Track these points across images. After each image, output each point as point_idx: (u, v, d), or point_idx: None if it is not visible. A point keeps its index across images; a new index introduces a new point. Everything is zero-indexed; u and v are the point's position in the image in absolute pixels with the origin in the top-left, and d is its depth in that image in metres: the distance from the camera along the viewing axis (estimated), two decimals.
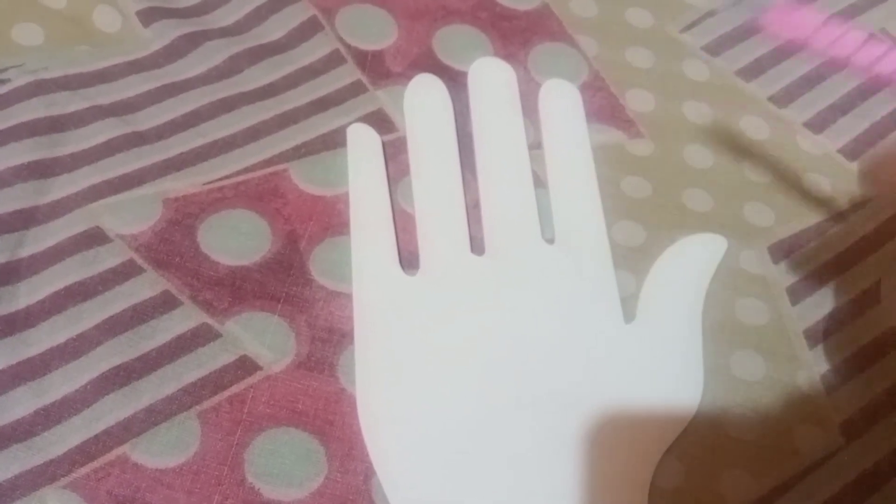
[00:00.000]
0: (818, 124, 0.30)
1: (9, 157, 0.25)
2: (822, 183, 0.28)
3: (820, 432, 0.24)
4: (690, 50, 0.31)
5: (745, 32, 0.31)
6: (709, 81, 0.30)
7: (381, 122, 0.27)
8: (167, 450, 0.22)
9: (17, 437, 0.21)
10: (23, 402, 0.22)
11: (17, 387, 0.22)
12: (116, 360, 0.22)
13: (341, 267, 0.25)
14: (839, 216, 0.28)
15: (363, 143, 0.27)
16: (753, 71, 0.31)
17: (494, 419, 0.23)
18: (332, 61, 0.29)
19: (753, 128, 0.29)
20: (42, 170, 0.25)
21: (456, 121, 0.28)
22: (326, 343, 0.24)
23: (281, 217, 0.25)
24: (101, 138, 0.26)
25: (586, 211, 0.26)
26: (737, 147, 0.29)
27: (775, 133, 0.29)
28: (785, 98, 0.30)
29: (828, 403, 0.24)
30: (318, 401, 0.23)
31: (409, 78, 0.28)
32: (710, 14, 0.32)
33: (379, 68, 0.29)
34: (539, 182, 0.27)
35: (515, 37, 0.30)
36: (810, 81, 0.31)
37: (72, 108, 0.26)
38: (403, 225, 0.26)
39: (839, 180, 0.29)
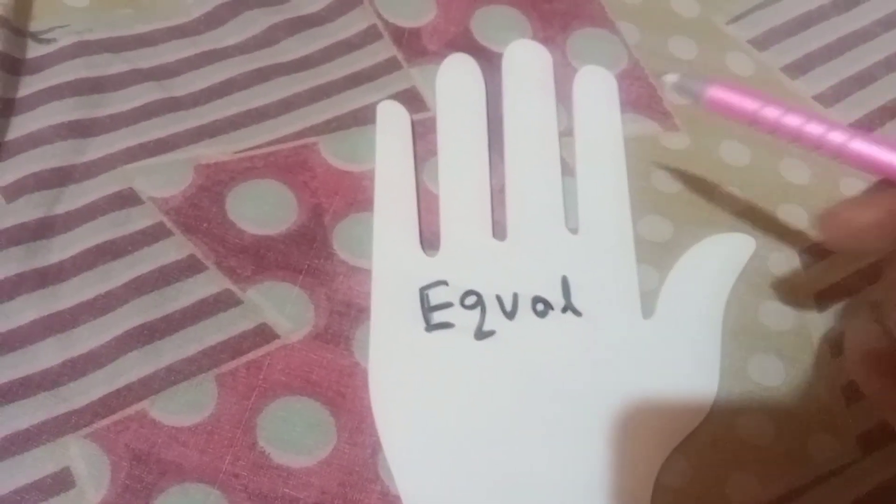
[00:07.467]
0: (865, 125, 0.29)
1: (51, 115, 0.26)
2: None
3: (836, 443, 0.24)
4: (736, 42, 0.30)
5: (797, 26, 0.30)
6: (753, 76, 0.29)
7: (412, 100, 0.27)
8: (184, 409, 0.22)
9: (44, 385, 0.22)
10: (51, 353, 0.23)
11: (47, 338, 0.23)
12: (141, 319, 0.23)
13: (363, 243, 0.25)
14: None
15: (392, 121, 0.27)
16: (802, 67, 0.30)
17: (505, 405, 0.23)
18: (369, 36, 0.29)
19: None
20: (81, 129, 0.26)
21: (488, 103, 0.27)
22: (344, 317, 0.24)
23: (308, 190, 0.26)
24: (138, 101, 0.26)
25: (612, 202, 0.26)
26: (774, 146, 0.28)
27: None
28: (832, 97, 0.29)
29: (847, 414, 0.24)
30: (331, 373, 0.23)
31: (444, 57, 0.28)
32: (760, 6, 0.31)
33: (415, 46, 0.29)
34: (568, 170, 0.27)
35: (555, 20, 0.29)
36: (861, 81, 0.30)
37: (113, 70, 0.27)
38: (428, 205, 0.26)
39: None
